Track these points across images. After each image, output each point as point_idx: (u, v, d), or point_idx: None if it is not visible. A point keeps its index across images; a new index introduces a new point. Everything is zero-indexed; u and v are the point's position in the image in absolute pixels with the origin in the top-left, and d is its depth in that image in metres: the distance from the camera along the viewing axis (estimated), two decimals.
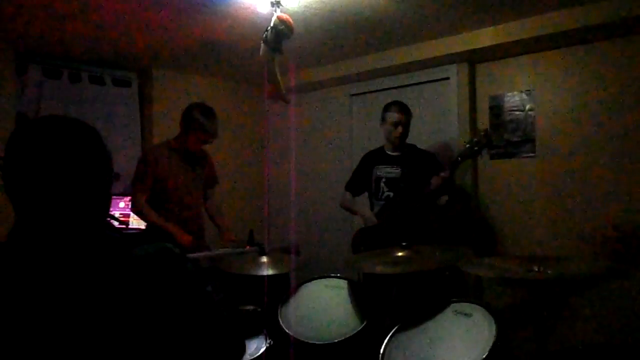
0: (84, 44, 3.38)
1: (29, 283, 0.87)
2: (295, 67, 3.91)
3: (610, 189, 2.91)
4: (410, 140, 3.21)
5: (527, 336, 2.75)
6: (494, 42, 3.10)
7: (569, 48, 3.07)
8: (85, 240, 0.93)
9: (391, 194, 3.09)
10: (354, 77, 4.00)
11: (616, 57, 2.91)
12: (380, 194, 3.13)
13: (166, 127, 3.92)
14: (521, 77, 3.29)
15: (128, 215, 3.80)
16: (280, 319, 2.41)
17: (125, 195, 3.76)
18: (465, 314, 2.12)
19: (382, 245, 2.76)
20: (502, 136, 3.36)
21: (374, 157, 3.25)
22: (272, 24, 2.46)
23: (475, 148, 2.72)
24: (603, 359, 2.13)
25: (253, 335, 2.33)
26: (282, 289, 2.61)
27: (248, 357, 2.17)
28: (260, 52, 2.56)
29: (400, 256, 2.37)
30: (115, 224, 3.40)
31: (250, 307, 2.48)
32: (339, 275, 2.66)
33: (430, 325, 2.16)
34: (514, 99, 3.32)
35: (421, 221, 2.97)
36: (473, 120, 3.47)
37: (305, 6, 2.73)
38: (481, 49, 3.20)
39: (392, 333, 2.16)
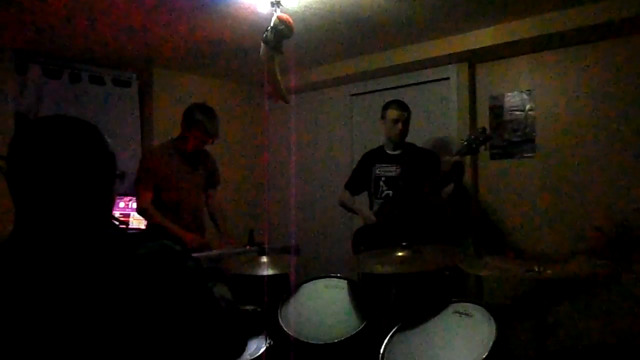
0: (84, 44, 3.38)
1: (32, 281, 0.88)
2: (295, 67, 3.91)
3: (610, 189, 2.91)
4: (410, 139, 3.21)
5: (527, 336, 2.76)
6: (494, 42, 3.10)
7: (569, 48, 3.07)
8: (88, 238, 0.93)
9: (390, 192, 3.09)
10: (354, 77, 4.00)
11: (616, 57, 2.91)
12: (379, 192, 3.13)
13: (166, 127, 3.92)
14: (521, 77, 3.29)
15: (128, 215, 3.81)
16: (280, 319, 2.41)
17: (126, 195, 3.77)
18: (465, 314, 2.12)
19: (381, 244, 2.76)
20: (502, 136, 3.36)
21: (373, 156, 3.26)
22: (272, 24, 2.46)
23: (473, 145, 2.71)
24: (603, 359, 2.13)
25: (253, 335, 2.33)
26: (282, 289, 2.61)
27: (248, 357, 2.17)
28: (260, 52, 2.56)
29: (400, 256, 2.37)
30: (116, 223, 3.40)
31: (250, 307, 2.48)
32: (339, 275, 2.66)
33: (430, 325, 2.16)
34: (514, 99, 3.32)
35: (420, 219, 2.96)
36: (473, 120, 3.47)
37: (305, 6, 2.73)
38: (481, 49, 3.20)
39: (392, 333, 2.16)
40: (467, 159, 3.30)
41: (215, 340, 0.98)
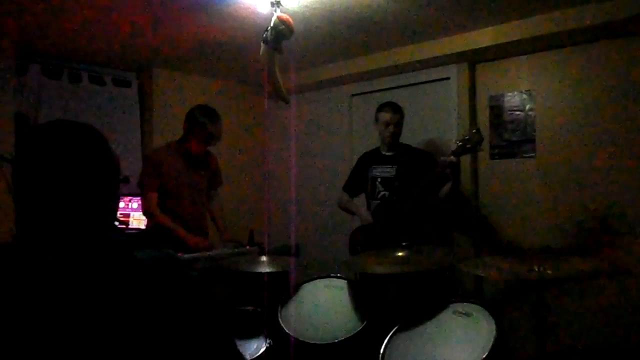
0: (84, 44, 3.38)
1: (32, 284, 0.87)
2: (295, 67, 3.91)
3: (610, 189, 2.91)
4: (410, 140, 3.21)
5: (527, 336, 2.76)
6: (494, 42, 3.10)
7: (569, 48, 3.07)
8: (89, 242, 0.93)
9: (387, 193, 3.10)
10: (354, 77, 4.00)
11: (616, 57, 2.91)
12: (376, 193, 3.16)
13: (166, 127, 3.93)
14: (521, 77, 3.29)
15: (128, 216, 3.81)
16: (280, 319, 2.41)
17: (125, 195, 3.77)
18: (465, 314, 2.12)
19: (378, 243, 2.76)
20: (502, 136, 3.36)
21: (369, 158, 3.29)
22: (272, 24, 2.46)
23: (468, 146, 2.71)
24: (603, 359, 2.13)
25: (253, 335, 2.33)
26: (282, 289, 2.61)
27: (248, 357, 2.17)
28: (260, 52, 2.56)
29: (400, 256, 2.37)
30: (116, 223, 3.41)
31: (250, 308, 2.48)
32: (339, 275, 2.66)
33: (430, 325, 2.16)
34: (514, 99, 3.32)
35: (416, 219, 2.97)
36: (473, 120, 3.47)
37: (305, 6, 2.73)
38: (481, 49, 3.20)
39: (392, 333, 2.16)
40: (467, 158, 3.31)
41: (212, 352, 0.97)
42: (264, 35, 2.49)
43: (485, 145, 3.20)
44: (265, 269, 2.39)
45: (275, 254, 2.75)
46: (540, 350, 2.08)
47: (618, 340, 2.79)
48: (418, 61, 3.53)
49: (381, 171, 3.16)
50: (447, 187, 2.91)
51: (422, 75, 3.71)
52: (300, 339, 2.27)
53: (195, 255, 2.59)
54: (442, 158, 2.82)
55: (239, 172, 4.52)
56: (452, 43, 3.29)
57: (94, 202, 0.96)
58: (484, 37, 3.14)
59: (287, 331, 2.33)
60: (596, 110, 2.99)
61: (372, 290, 2.60)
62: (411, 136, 3.19)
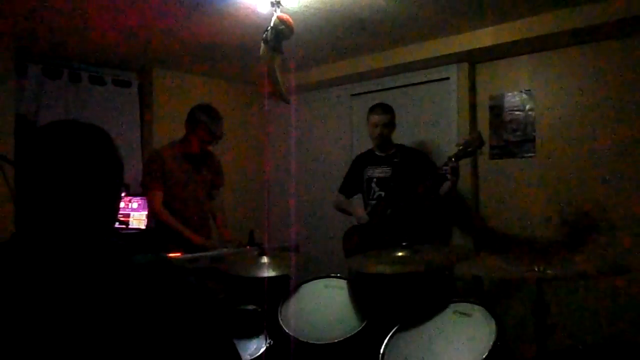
0: (84, 44, 3.38)
1: (28, 286, 0.87)
2: (295, 67, 3.91)
3: (610, 188, 2.91)
4: (410, 140, 3.22)
5: (527, 336, 2.75)
6: (494, 42, 3.10)
7: (569, 48, 3.07)
8: (88, 246, 0.93)
9: (382, 193, 3.12)
10: (354, 77, 4.00)
11: (616, 57, 2.91)
12: (372, 194, 3.18)
13: (166, 127, 3.93)
14: (521, 77, 3.29)
15: (128, 215, 3.81)
16: (280, 319, 2.41)
17: (125, 195, 3.77)
18: (465, 314, 2.12)
19: (374, 243, 2.77)
20: (502, 136, 3.36)
21: (364, 159, 3.30)
22: (272, 24, 2.46)
23: (469, 149, 2.72)
24: (603, 359, 2.13)
25: (253, 335, 2.33)
26: (282, 289, 2.61)
27: (248, 357, 2.17)
28: (260, 52, 2.55)
29: (400, 256, 2.37)
30: (116, 223, 3.41)
31: (251, 307, 2.47)
32: (339, 275, 2.66)
33: (430, 325, 2.16)
34: (514, 99, 3.32)
35: (413, 219, 2.97)
36: (473, 120, 3.47)
37: (305, 6, 2.73)
38: (481, 49, 3.20)
39: (392, 333, 2.16)
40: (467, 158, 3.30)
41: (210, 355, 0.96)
42: (264, 35, 2.49)
43: (485, 145, 3.20)
44: (266, 273, 2.38)
45: (276, 254, 2.74)
46: (540, 350, 2.08)
47: (618, 340, 2.79)
48: (418, 61, 3.53)
49: (376, 172, 3.18)
50: (445, 186, 2.91)
51: (422, 76, 3.71)
52: (300, 338, 2.27)
53: (196, 255, 2.59)
54: (442, 165, 2.82)
55: (239, 172, 4.51)
56: (452, 43, 3.29)
57: (99, 203, 0.95)
58: (484, 37, 3.14)
59: (287, 331, 2.33)
60: (596, 110, 2.98)
61: (372, 290, 2.60)
62: (411, 136, 3.19)
